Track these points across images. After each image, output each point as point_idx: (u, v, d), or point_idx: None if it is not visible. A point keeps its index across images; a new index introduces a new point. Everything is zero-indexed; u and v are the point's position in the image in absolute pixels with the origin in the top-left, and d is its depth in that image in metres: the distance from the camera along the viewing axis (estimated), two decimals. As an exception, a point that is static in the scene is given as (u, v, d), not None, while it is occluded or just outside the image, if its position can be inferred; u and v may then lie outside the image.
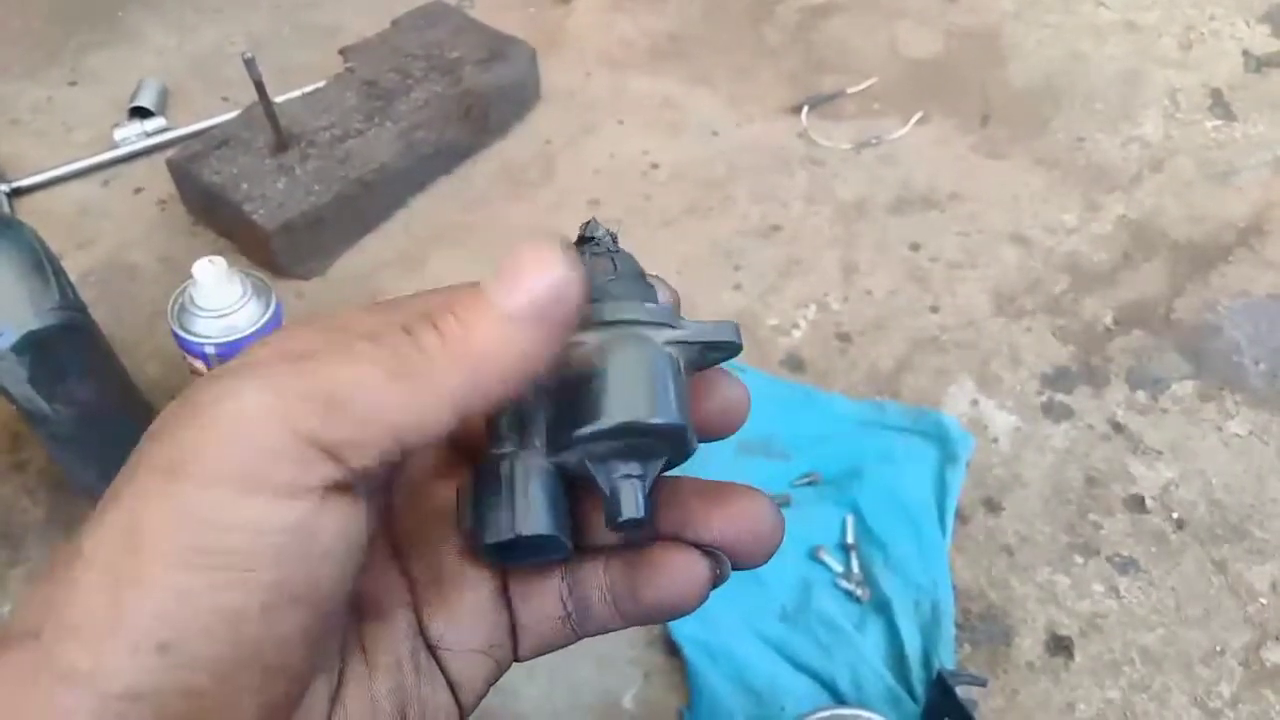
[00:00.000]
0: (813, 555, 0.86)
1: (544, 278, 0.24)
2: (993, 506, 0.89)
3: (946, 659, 0.78)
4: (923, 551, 0.84)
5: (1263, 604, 0.83)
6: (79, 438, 0.83)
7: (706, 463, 0.89)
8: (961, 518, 0.88)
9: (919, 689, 0.78)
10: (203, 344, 0.84)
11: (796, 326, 1.04)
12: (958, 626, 0.81)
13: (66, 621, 0.23)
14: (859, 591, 0.83)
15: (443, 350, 0.24)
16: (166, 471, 0.24)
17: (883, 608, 0.82)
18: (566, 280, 0.25)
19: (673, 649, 0.82)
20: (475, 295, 0.25)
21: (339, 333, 0.26)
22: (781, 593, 0.84)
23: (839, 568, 0.85)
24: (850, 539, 0.86)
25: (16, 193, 1.18)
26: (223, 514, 0.23)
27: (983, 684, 0.75)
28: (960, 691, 0.71)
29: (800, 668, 0.79)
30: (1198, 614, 0.82)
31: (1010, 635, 0.81)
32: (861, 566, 0.85)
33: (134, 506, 0.24)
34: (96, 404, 0.82)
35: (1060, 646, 0.81)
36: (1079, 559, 0.86)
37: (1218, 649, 0.80)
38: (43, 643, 0.23)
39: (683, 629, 0.81)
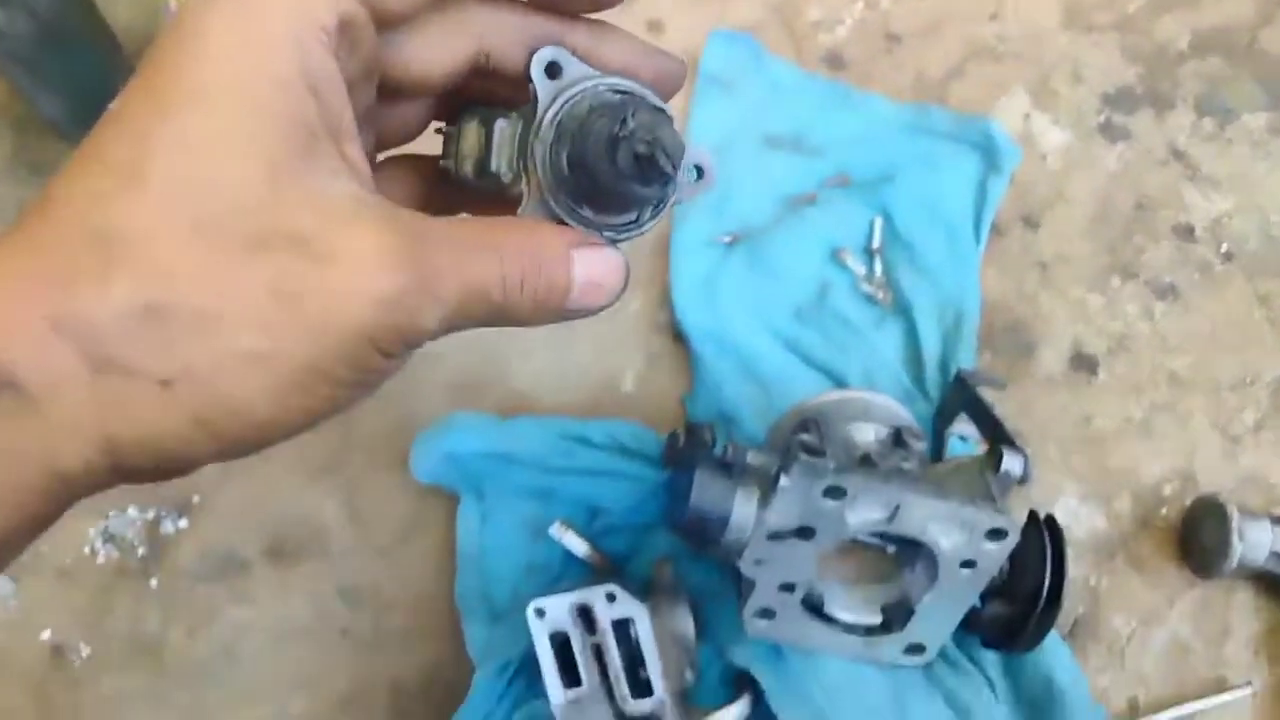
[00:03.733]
0: (834, 257, 0.80)
1: (606, 299, 0.34)
2: (1032, 223, 0.83)
3: (965, 364, 0.75)
4: (953, 259, 0.79)
5: (1302, 339, 0.78)
6: (40, 61, 0.75)
7: (730, 156, 0.83)
8: (997, 231, 0.82)
9: (934, 392, 0.74)
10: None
11: (841, 22, 0.94)
12: (979, 335, 0.77)
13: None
14: (880, 295, 0.79)
15: (520, 308, 0.31)
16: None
17: (903, 312, 0.78)
18: (618, 295, 0.34)
19: (677, 336, 0.78)
20: (559, 284, 0.32)
21: None
22: (798, 291, 0.79)
23: (861, 270, 0.80)
24: (876, 242, 0.80)
25: None
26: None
27: (1002, 386, 0.71)
28: (979, 391, 0.68)
29: (811, 363, 0.76)
30: (1233, 343, 0.78)
31: (1033, 349, 0.77)
32: (885, 271, 0.80)
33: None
34: (58, 23, 0.74)
35: (1084, 363, 0.77)
36: (1116, 280, 0.81)
37: (1248, 379, 0.76)
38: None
39: (691, 316, 0.77)
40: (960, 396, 0.68)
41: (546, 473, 0.72)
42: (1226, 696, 0.66)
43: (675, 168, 0.30)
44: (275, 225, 0.26)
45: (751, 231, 0.81)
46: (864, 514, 0.55)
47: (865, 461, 0.58)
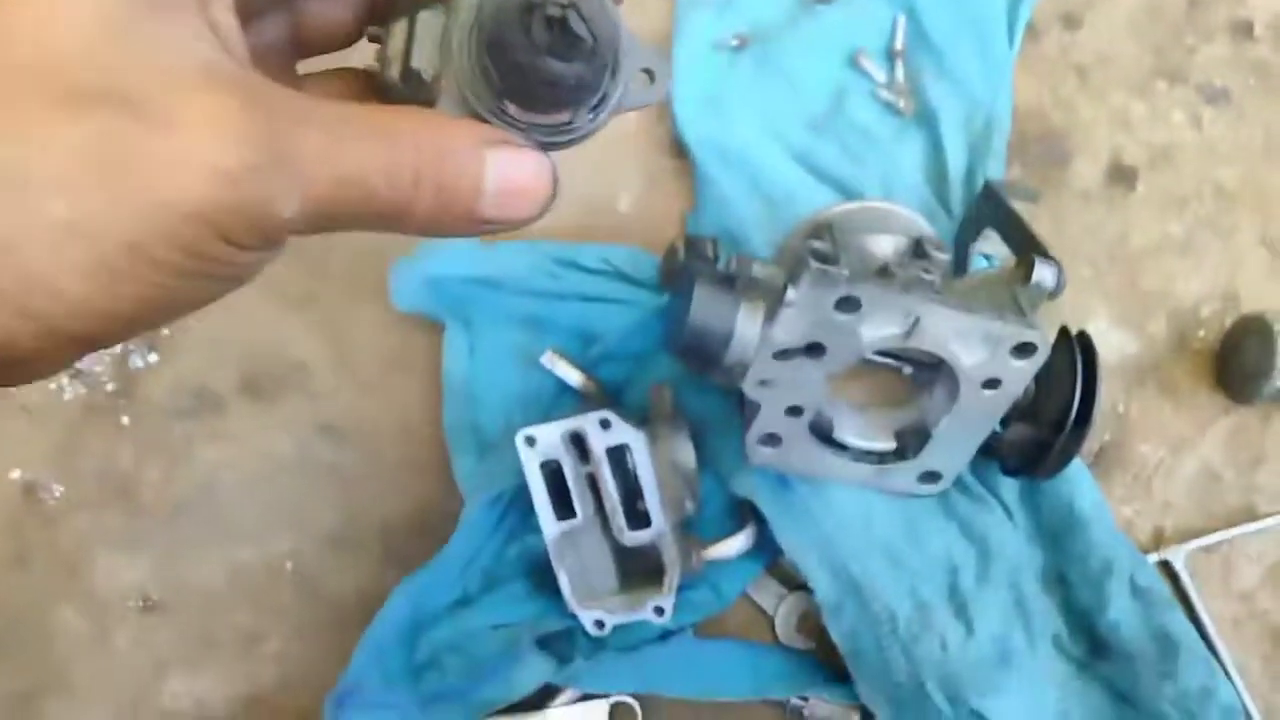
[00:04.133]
0: (852, 61, 0.72)
1: (529, 209, 0.29)
2: (1072, 23, 0.75)
3: (994, 176, 0.68)
4: (983, 62, 0.71)
5: (1364, 148, 0.71)
6: None
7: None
8: (1033, 32, 0.74)
9: (957, 208, 0.68)
10: None
11: None
12: (1010, 148, 0.70)
13: None
14: (901, 103, 0.71)
15: (416, 206, 0.27)
16: None
17: (927, 121, 0.70)
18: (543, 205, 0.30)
19: (678, 152, 0.71)
20: (465, 183, 0.28)
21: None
22: (812, 99, 0.72)
23: (881, 76, 0.72)
24: (899, 45, 0.72)
25: None
26: None
27: (1034, 199, 0.65)
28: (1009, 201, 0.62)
29: (824, 177, 0.69)
30: (1287, 153, 0.71)
31: (1068, 160, 0.70)
32: (908, 76, 0.72)
33: None
34: None
35: (1123, 176, 0.70)
36: (1162, 85, 0.73)
37: (1301, 191, 0.70)
38: None
39: (694, 129, 0.70)
40: (987, 208, 0.62)
41: (537, 299, 0.67)
42: (1259, 525, 0.62)
43: (596, 39, 0.27)
44: (103, 81, 0.23)
45: (762, 33, 0.72)
46: (879, 328, 0.50)
47: (883, 273, 0.52)
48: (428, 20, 0.30)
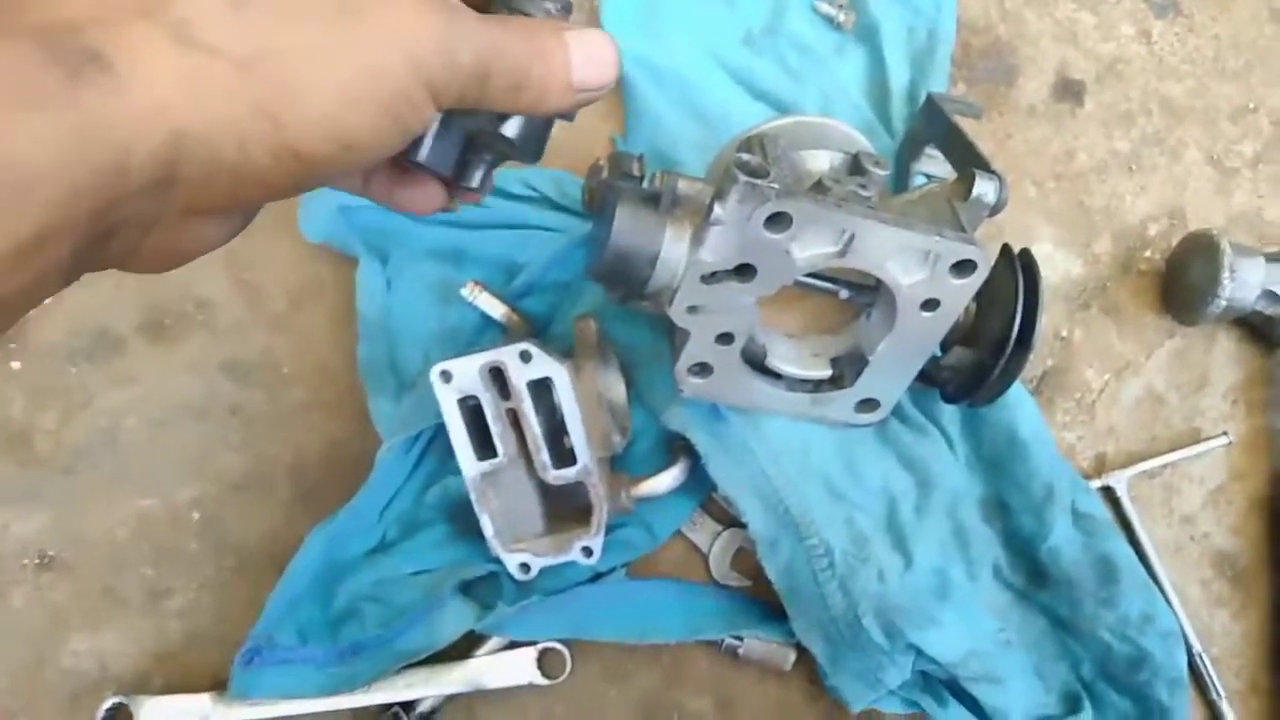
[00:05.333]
0: (788, -30, 0.68)
1: (610, 72, 0.35)
2: (1018, -71, 0.71)
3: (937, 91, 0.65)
4: (926, -31, 0.67)
5: (1313, 62, 0.69)
6: None
7: None
8: (977, -61, 0.70)
9: (899, 125, 0.65)
10: None
11: None
12: (954, 62, 0.67)
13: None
14: (841, 17, 0.67)
15: (531, 76, 0.33)
16: None
17: (868, 35, 0.67)
18: (617, 67, 0.36)
19: (606, 68, 0.67)
20: (560, 61, 0.34)
21: None
22: (748, 13, 0.68)
23: (820, -13, 0.68)
24: (837, -48, 0.68)
25: None
26: None
27: (978, 114, 0.62)
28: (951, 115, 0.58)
29: (761, 95, 0.65)
30: (1237, 67, 0.69)
31: (1014, 75, 0.67)
32: (847, -14, 0.68)
33: None
34: None
35: (1070, 91, 0.67)
36: (1111, -4, 0.70)
37: (1250, 105, 0.67)
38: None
39: (623, 44, 0.65)
40: (929, 123, 0.59)
41: (456, 228, 0.62)
42: (1200, 448, 0.61)
43: None
44: None
45: (690, -60, 0.68)
46: (812, 247, 0.47)
47: (817, 189, 0.49)
48: None
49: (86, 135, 0.24)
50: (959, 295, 0.49)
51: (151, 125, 0.25)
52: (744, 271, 0.48)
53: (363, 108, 0.29)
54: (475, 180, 0.39)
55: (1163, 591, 0.58)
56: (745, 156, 0.46)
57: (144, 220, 0.27)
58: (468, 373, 0.54)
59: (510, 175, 0.63)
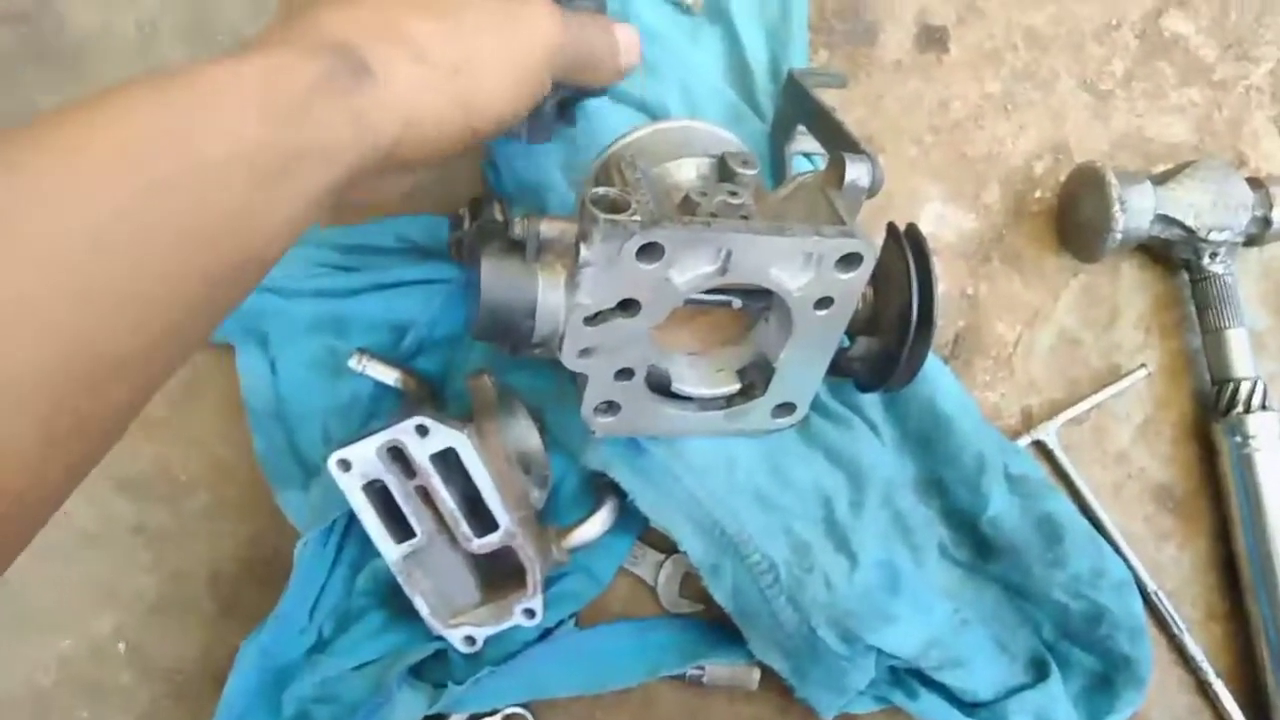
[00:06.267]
0: (630, -39, 0.65)
1: (638, 55, 0.48)
2: (855, -121, 0.69)
3: (799, 64, 0.63)
4: (767, -62, 0.65)
5: (1168, -35, 0.68)
6: None
7: None
8: (815, -105, 0.68)
9: (767, 105, 0.63)
10: None
11: None
12: (811, 28, 0.64)
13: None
14: (689, 0, 0.64)
15: (595, 60, 0.47)
16: None
17: (719, 14, 0.64)
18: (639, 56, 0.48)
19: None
20: (613, 45, 0.47)
21: None
22: (590, 13, 0.64)
23: (662, -27, 0.65)
24: (675, -66, 0.65)
25: None
26: None
27: (842, 83, 0.60)
28: (814, 93, 0.56)
29: (620, 98, 0.62)
30: (1094, -16, 0.67)
31: (874, 33, 0.65)
32: (692, -32, 0.65)
33: None
34: None
35: (933, 39, 0.66)
36: (959, -68, 0.68)
37: (1112, 22, 0.66)
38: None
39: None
40: (795, 103, 0.57)
41: (331, 298, 0.59)
42: (1122, 384, 0.60)
43: None
44: None
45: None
46: (691, 270, 0.45)
47: (685, 205, 0.47)
48: None
49: (362, 117, 0.35)
50: (850, 289, 0.47)
51: (394, 113, 0.36)
52: (627, 306, 0.45)
53: (521, 93, 0.41)
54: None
55: (1108, 537, 0.58)
56: (600, 190, 0.44)
57: (372, 173, 0.36)
58: (366, 457, 0.51)
59: (378, 228, 0.60)
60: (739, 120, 0.61)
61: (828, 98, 0.55)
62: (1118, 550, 0.57)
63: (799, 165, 0.60)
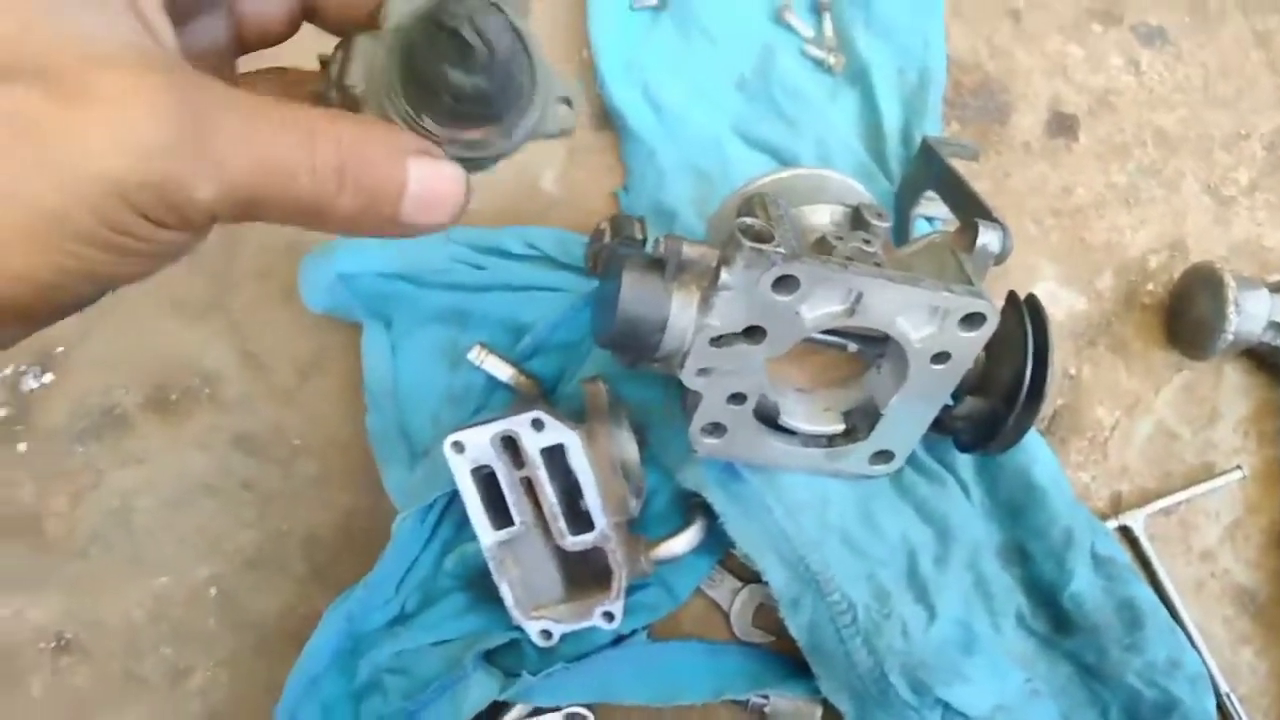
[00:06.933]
0: (776, 17, 0.69)
1: (446, 215, 0.31)
2: (1003, -34, 0.72)
3: (931, 133, 0.65)
4: (913, 11, 0.68)
5: (1303, 85, 0.70)
6: None
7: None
8: (963, -23, 0.71)
9: (896, 168, 0.65)
10: None
11: None
12: (946, 101, 0.67)
13: None
14: (831, 60, 0.68)
15: (338, 202, 0.28)
16: None
17: (859, 77, 0.67)
18: (458, 212, 0.31)
19: (602, 124, 0.67)
20: (390, 185, 0.29)
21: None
22: (738, 59, 0.68)
23: (808, 31, 0.68)
24: (826, -4, 0.69)
25: None
26: None
27: (974, 155, 0.62)
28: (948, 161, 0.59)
29: (756, 143, 0.66)
30: (1227, 94, 0.69)
31: (1007, 112, 0.68)
32: (836, 30, 0.68)
33: None
34: None
35: (1063, 127, 0.68)
36: (1097, 27, 0.70)
37: (1242, 132, 0.68)
38: None
39: (618, 98, 0.66)
40: (926, 168, 0.59)
41: (460, 291, 0.62)
42: (1215, 483, 0.61)
43: (493, 53, 0.30)
44: (23, 58, 0.24)
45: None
46: (821, 307, 0.47)
47: (820, 246, 0.49)
48: (363, 43, 0.32)
49: None
50: (969, 347, 0.49)
51: None
52: (753, 333, 0.48)
53: (63, 255, 0.24)
54: None
55: (1186, 631, 0.58)
56: (748, 221, 0.46)
57: None
58: (480, 443, 0.53)
59: (511, 235, 0.63)
60: (868, 178, 0.63)
61: (958, 166, 0.57)
62: (1194, 646, 0.57)
63: (920, 227, 0.62)
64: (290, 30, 0.36)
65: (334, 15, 0.34)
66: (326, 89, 0.33)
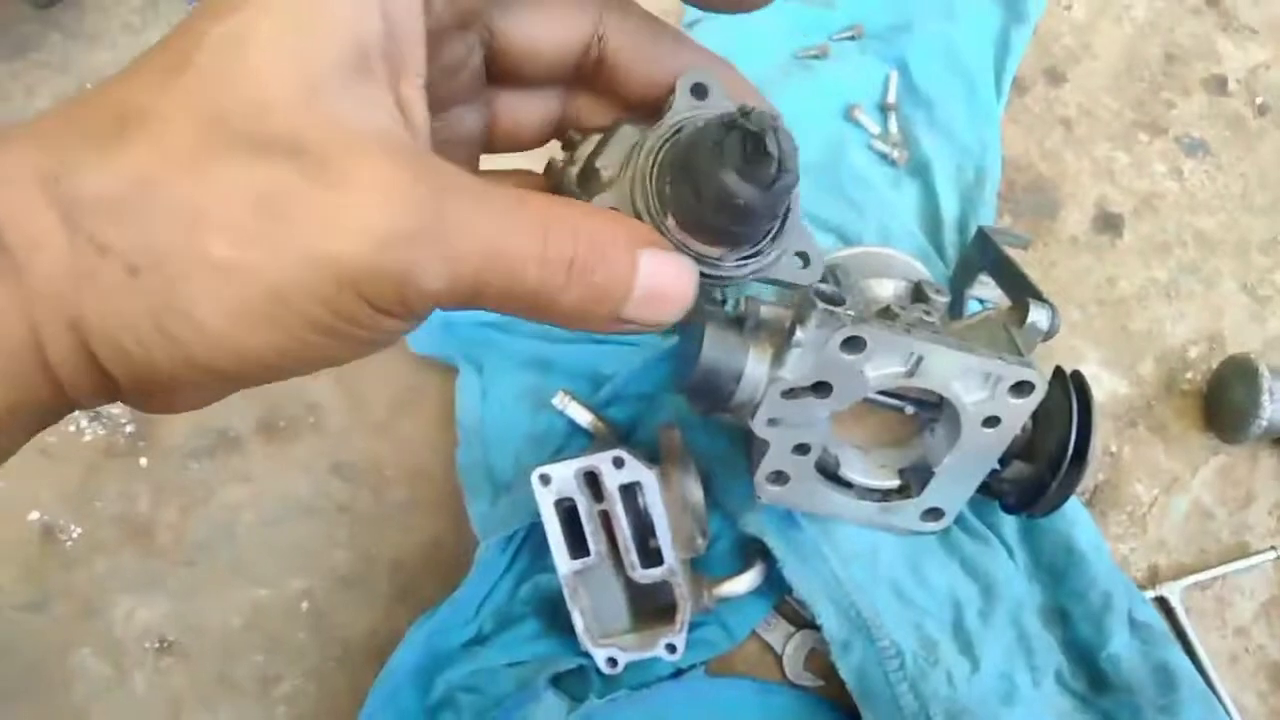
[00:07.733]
0: (847, 115, 0.76)
1: (670, 314, 0.29)
2: (1055, 78, 0.78)
3: (985, 223, 0.71)
4: (973, 114, 0.74)
5: (1337, 197, 0.75)
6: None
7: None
8: (1019, 87, 0.78)
9: (951, 253, 0.71)
10: None
11: None
12: (1000, 197, 0.73)
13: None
14: (895, 154, 0.74)
15: (564, 296, 0.27)
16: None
17: (921, 170, 0.74)
18: (683, 312, 0.29)
19: (684, 201, 0.74)
20: (618, 280, 0.27)
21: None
22: (810, 151, 0.75)
23: (875, 129, 0.75)
24: (891, 98, 0.76)
25: None
26: None
27: (1025, 244, 0.68)
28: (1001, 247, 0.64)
29: (824, 225, 0.72)
30: (1265, 203, 0.74)
31: (1056, 209, 0.73)
32: (901, 128, 0.75)
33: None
34: None
35: (1109, 224, 0.73)
36: (1143, 137, 0.76)
37: (1278, 238, 0.73)
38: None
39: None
40: (981, 253, 0.65)
41: (547, 341, 0.69)
42: (1251, 560, 0.64)
43: (782, 170, 0.28)
44: (285, 133, 0.24)
45: (759, 88, 0.76)
46: (883, 367, 0.52)
47: (885, 314, 0.55)
48: (625, 132, 0.31)
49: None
50: (1018, 413, 0.53)
51: (54, 313, 0.23)
52: (821, 388, 0.53)
53: (280, 334, 0.24)
54: None
55: (1221, 701, 0.61)
56: (823, 286, 0.52)
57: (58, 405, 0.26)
58: (565, 476, 0.59)
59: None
60: (926, 260, 0.69)
61: (1010, 253, 0.63)
62: (1227, 714, 0.60)
63: (972, 307, 0.67)
64: (541, 139, 0.35)
65: (634, 90, 0.33)
66: (565, 165, 0.33)
